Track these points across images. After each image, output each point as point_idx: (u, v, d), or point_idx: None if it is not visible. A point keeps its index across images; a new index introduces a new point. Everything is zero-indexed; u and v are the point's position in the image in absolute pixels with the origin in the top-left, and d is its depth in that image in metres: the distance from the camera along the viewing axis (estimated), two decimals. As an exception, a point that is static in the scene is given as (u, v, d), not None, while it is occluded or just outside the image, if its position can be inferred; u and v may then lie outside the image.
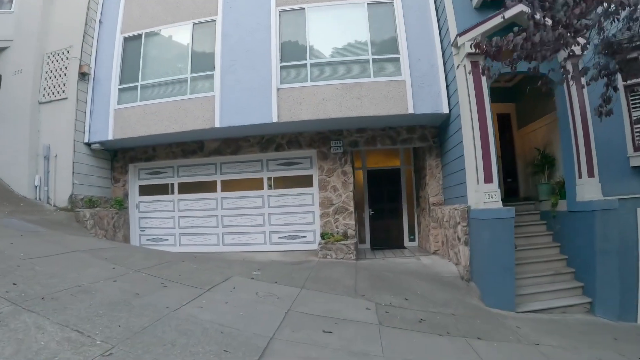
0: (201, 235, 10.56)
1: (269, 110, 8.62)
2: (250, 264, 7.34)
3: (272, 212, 9.90)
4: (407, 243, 10.78)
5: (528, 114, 9.74)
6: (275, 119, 8.54)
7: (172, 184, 11.07)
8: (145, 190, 11.23)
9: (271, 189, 9.99)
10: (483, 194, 6.76)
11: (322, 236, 8.85)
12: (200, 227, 10.58)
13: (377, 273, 6.88)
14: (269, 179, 10.04)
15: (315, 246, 8.66)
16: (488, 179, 6.87)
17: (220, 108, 9.00)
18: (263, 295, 5.23)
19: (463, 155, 7.27)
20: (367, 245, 10.83)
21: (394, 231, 10.90)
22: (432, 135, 9.13)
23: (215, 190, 10.54)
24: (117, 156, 11.02)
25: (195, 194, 10.73)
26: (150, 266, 5.92)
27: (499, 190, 6.86)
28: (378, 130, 9.24)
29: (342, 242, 8.27)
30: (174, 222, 10.91)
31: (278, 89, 8.66)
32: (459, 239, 7.15)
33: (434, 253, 8.74)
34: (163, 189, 11.14)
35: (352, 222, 8.93)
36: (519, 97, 10.13)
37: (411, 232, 10.84)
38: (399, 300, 5.68)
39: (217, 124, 8.95)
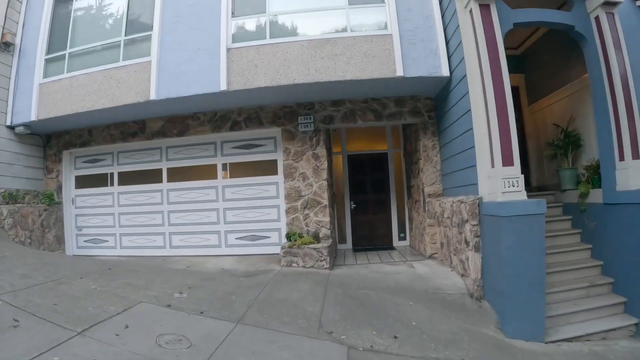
0: (145, 235, 8.57)
1: (216, 76, 6.62)
2: (186, 277, 5.40)
3: (228, 207, 7.92)
4: (396, 242, 8.91)
5: (542, 85, 7.85)
6: (223, 87, 6.54)
7: (112, 174, 9.05)
8: (82, 182, 9.22)
9: (227, 177, 7.99)
10: (501, 181, 4.86)
11: (288, 237, 6.91)
12: (143, 225, 8.59)
13: (355, 291, 4.96)
14: (224, 165, 8.03)
15: (280, 249, 6.72)
16: (507, 160, 4.98)
17: (158, 76, 6.98)
18: (167, 341, 3.28)
19: (471, 129, 5.37)
20: (349, 245, 8.94)
21: (381, 228, 9.00)
22: (427, 108, 7.21)
23: (161, 181, 8.53)
24: (51, 142, 9.02)
25: (137, 185, 8.74)
26: (24, 287, 3.96)
27: (522, 176, 4.98)
28: (358, 102, 7.27)
29: (312, 245, 6.34)
30: (113, 219, 8.90)
31: (228, 50, 6.65)
32: (466, 242, 5.27)
33: (431, 257, 6.87)
34: (102, 180, 9.13)
35: (327, 219, 7.00)
36: (530, 67, 8.24)
37: (401, 229, 8.96)
38: (386, 339, 3.80)
39: (153, 96, 6.95)
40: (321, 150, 7.11)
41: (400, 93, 7.10)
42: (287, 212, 7.19)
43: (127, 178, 8.84)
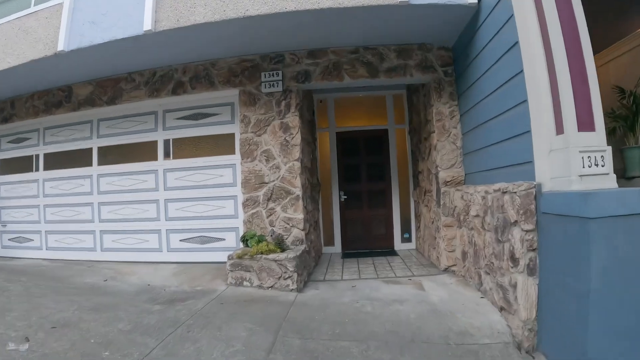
0: (73, 233, 6.65)
1: (139, 12, 4.58)
2: (78, 301, 3.42)
3: (171, 198, 5.90)
4: (398, 245, 6.87)
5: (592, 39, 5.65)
6: (148, 27, 4.52)
7: (37, 156, 7.11)
8: (7, 167, 7.37)
9: (169, 158, 5.96)
10: (576, 156, 2.79)
11: (244, 241, 4.88)
12: (71, 221, 6.66)
13: (324, 346, 2.90)
14: (167, 142, 5.99)
15: (227, 260, 4.68)
16: (585, 122, 2.90)
17: (70, 21, 5.06)
18: None
19: (520, 72, 3.28)
20: (337, 248, 6.90)
21: (379, 226, 6.95)
22: (442, 61, 5.09)
23: (90, 164, 6.53)
24: (-31, 118, 7.10)
25: (64, 169, 6.80)
26: None
27: (609, 148, 2.88)
28: (346, 52, 5.16)
29: (273, 255, 4.31)
30: (39, 213, 7.00)
31: (158, -28, 4.58)
32: (513, 258, 3.19)
33: (447, 270, 4.82)
34: (27, 164, 7.20)
35: (299, 216, 4.94)
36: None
37: (405, 227, 6.91)
38: None
39: (62, 46, 5.03)
40: (292, 119, 5.03)
41: (405, 38, 4.99)
42: (245, 205, 5.14)
43: (54, 161, 6.91)
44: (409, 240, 6.90)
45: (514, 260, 3.16)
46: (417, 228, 6.58)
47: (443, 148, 4.84)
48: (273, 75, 5.15)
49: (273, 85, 5.12)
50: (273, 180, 5.03)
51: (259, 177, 5.08)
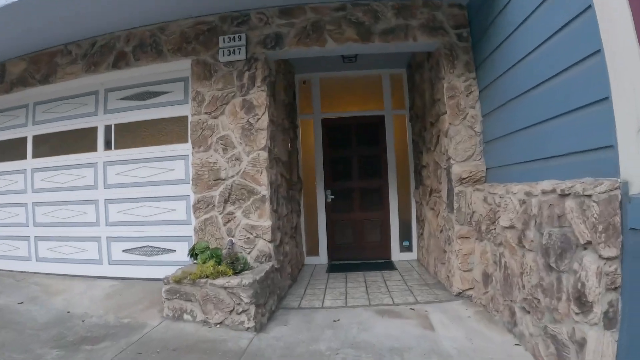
0: (7, 239, 5.44)
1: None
2: None
3: (112, 198, 4.71)
4: (396, 255, 5.70)
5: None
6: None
7: (-35, 147, 5.84)
8: None
9: (110, 148, 4.76)
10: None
11: (192, 254, 3.70)
12: (4, 224, 5.45)
13: None
14: (108, 129, 4.79)
15: (163, 285, 3.47)
16: None
17: None
18: None
19: (590, 7, 2.06)
20: (322, 258, 5.74)
21: (373, 232, 5.79)
22: (454, 22, 3.90)
23: (25, 156, 5.32)
24: None
25: (-6, 163, 5.56)
26: None
27: None
28: (328, 9, 3.96)
29: (222, 280, 3.11)
30: (-34, 216, 5.72)
31: None
32: (581, 301, 2.01)
33: (461, 295, 3.65)
34: (-45, 157, 5.95)
35: (266, 223, 3.73)
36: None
37: (405, 233, 5.75)
38: None
39: None
40: (257, 96, 3.81)
41: (407, -9, 3.79)
42: (196, 208, 3.94)
43: (-17, 153, 5.67)
44: (409, 249, 5.73)
45: (581, 303, 1.98)
46: (420, 235, 5.40)
47: (457, 134, 3.64)
48: (234, 39, 3.94)
49: (234, 52, 3.91)
50: (232, 176, 3.83)
51: (214, 171, 3.87)
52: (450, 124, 3.66)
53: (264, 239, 3.73)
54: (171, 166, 4.44)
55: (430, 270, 4.75)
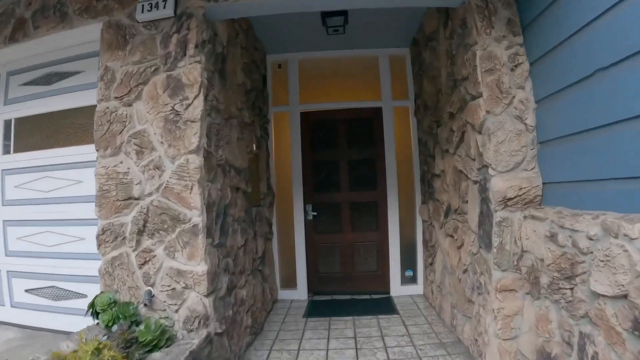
0: None
1: None
2: None
3: (12, 219, 3.40)
4: (397, 287, 4.40)
5: None
6: None
7: None
8: None
9: (9, 152, 3.42)
10: None
11: (92, 312, 2.35)
12: None
13: None
14: (7, 124, 3.46)
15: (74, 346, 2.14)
16: None
17: None
18: None
19: None
20: (301, 292, 4.42)
21: (368, 258, 4.48)
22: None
23: None
24: None
25: None
26: None
27: None
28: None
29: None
30: None
31: None
32: None
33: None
34: None
35: (200, 267, 2.39)
36: None
37: (408, 260, 4.44)
38: None
39: None
40: (189, 70, 2.46)
41: None
42: (102, 241, 2.58)
43: None
44: (413, 280, 4.42)
45: None
46: (429, 265, 4.09)
47: (500, 128, 2.31)
48: (158, -14, 2.60)
49: (157, 7, 2.57)
50: (149, 194, 2.48)
51: (124, 186, 2.52)
52: (487, 112, 2.34)
53: (197, 292, 2.39)
54: (79, 176, 3.09)
55: (445, 318, 3.44)
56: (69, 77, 3.28)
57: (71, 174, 3.16)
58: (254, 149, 3.67)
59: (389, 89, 4.46)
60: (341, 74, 4.55)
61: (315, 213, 4.43)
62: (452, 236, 3.18)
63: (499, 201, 2.29)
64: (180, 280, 2.42)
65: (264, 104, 4.24)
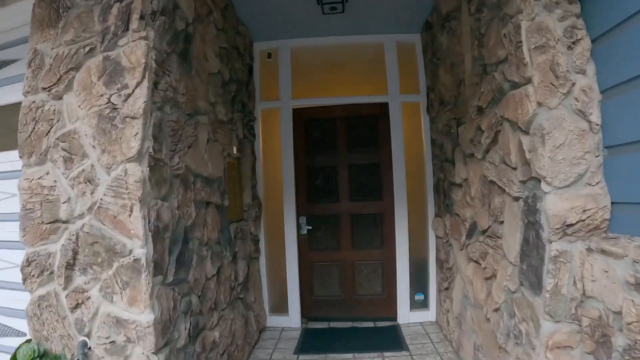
0: None
1: None
2: None
3: None
4: (406, 314, 3.76)
5: None
6: None
7: None
8: None
9: None
10: None
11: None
12: None
13: None
14: None
15: None
16: None
17: None
18: None
19: None
20: (293, 319, 3.78)
21: (371, 280, 3.85)
22: None
23: None
24: None
25: None
26: None
27: None
28: None
29: None
30: None
31: None
32: None
33: None
34: None
35: (145, 317, 1.77)
36: None
37: (418, 282, 3.80)
38: None
39: None
40: (131, 49, 1.83)
41: None
42: (27, 274, 1.95)
43: None
44: (424, 305, 3.78)
45: None
46: (444, 289, 3.44)
47: (557, 126, 1.66)
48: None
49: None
50: (80, 215, 1.85)
51: (50, 204, 1.90)
52: (539, 104, 1.69)
53: (143, 348, 1.76)
54: (8, 188, 2.48)
55: (466, 358, 2.79)
56: (4, 66, 2.68)
57: (6, 186, 2.55)
58: (234, 152, 3.04)
59: (396, 81, 3.82)
60: (340, 64, 3.91)
61: (310, 227, 3.79)
62: (477, 262, 2.54)
63: (556, 228, 1.64)
64: (121, 331, 1.79)
65: (249, 98, 3.60)
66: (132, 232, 1.73)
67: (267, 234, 3.81)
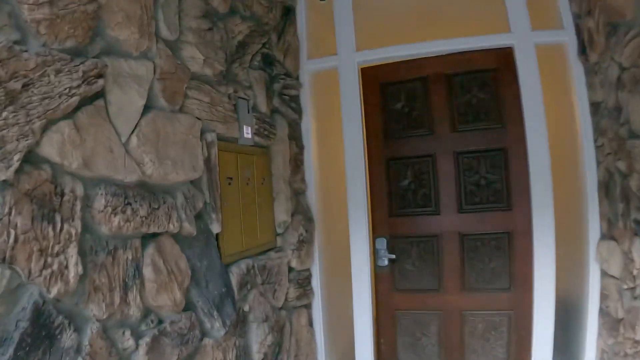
0: None
1: None
2: None
3: None
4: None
5: None
6: None
7: None
8: None
9: None
10: None
11: None
12: None
13: None
14: None
15: None
16: None
17: None
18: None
19: None
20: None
21: (488, 342, 2.34)
22: None
23: None
24: None
25: None
26: None
27: None
28: None
29: None
30: None
31: None
32: None
33: None
34: None
35: None
36: None
37: (567, 346, 2.26)
38: None
39: None
40: None
41: None
42: None
43: None
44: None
45: None
46: (620, 355, 1.91)
47: None
48: None
49: None
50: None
51: None
52: None
53: None
54: None
55: None
56: None
57: None
58: (247, 134, 1.63)
59: (524, 11, 2.30)
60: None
61: (393, 256, 2.35)
62: None
63: None
64: None
65: (286, 54, 2.19)
66: None
67: (324, 268, 2.42)
